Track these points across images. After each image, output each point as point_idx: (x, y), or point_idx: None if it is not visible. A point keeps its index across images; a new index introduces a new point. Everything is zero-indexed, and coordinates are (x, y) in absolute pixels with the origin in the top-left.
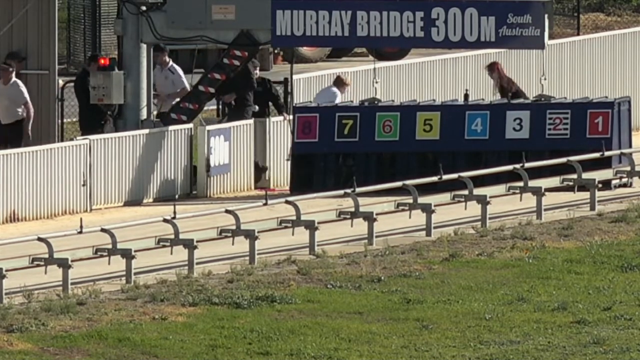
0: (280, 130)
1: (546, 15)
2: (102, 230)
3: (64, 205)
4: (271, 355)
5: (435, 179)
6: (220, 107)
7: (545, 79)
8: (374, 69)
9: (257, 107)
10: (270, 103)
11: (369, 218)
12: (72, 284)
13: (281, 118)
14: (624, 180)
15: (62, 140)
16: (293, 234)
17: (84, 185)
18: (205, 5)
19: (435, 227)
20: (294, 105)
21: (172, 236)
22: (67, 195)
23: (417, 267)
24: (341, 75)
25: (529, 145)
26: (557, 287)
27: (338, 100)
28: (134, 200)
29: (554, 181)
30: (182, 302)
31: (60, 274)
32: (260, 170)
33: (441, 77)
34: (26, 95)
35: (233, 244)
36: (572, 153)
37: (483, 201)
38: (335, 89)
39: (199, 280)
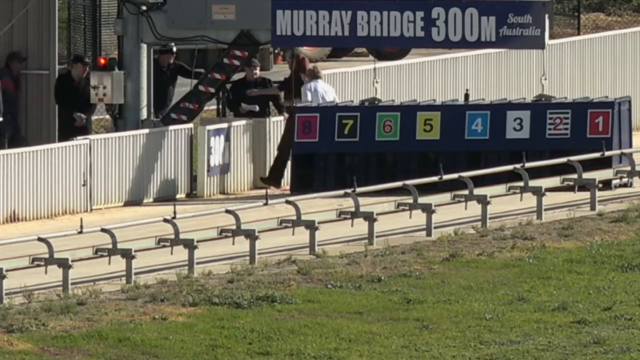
0: (280, 131)
1: (546, 15)
2: (102, 230)
3: (64, 205)
4: (271, 355)
5: (435, 179)
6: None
7: (545, 78)
8: (374, 69)
9: (257, 107)
10: (270, 103)
11: (370, 218)
12: (72, 284)
13: (281, 118)
14: (625, 180)
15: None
16: (293, 234)
17: (84, 185)
18: (205, 5)
19: (435, 227)
20: (294, 105)
21: (172, 236)
22: (67, 195)
23: (418, 267)
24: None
25: (529, 145)
26: (558, 287)
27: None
28: (134, 200)
29: (554, 181)
30: (183, 302)
31: (60, 274)
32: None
33: (441, 77)
34: None
35: (233, 244)
36: (572, 153)
37: (483, 201)
38: (314, 83)
39: (199, 280)
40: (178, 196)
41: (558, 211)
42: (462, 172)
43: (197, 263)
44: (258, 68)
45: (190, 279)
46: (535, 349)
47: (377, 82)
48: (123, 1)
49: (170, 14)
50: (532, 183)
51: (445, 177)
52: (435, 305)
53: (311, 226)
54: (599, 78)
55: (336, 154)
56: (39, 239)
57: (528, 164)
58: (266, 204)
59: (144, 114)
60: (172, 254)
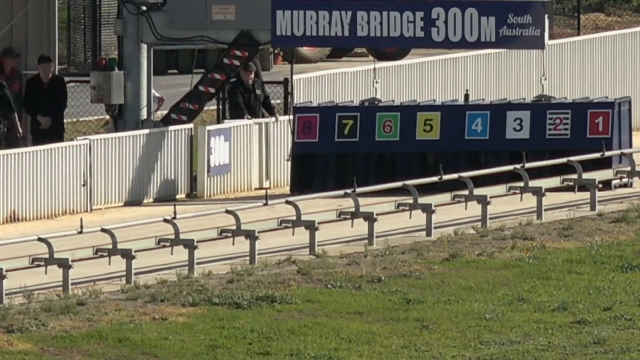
0: (280, 131)
1: (546, 16)
2: (102, 230)
3: (64, 205)
4: (271, 355)
5: (435, 179)
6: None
7: (545, 79)
8: (374, 69)
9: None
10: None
11: (369, 218)
12: (72, 284)
13: (273, 119)
14: (624, 180)
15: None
16: (293, 234)
17: (84, 185)
18: (205, 5)
19: (435, 227)
20: (294, 105)
21: (173, 236)
22: (67, 195)
23: (417, 267)
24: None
25: (529, 145)
26: (558, 287)
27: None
28: (134, 200)
29: (554, 181)
30: (183, 303)
31: (60, 274)
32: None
33: (441, 77)
34: None
35: (233, 244)
36: (572, 153)
37: (483, 201)
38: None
39: (199, 280)
40: (178, 196)
41: (558, 211)
42: (462, 172)
43: (197, 263)
44: (253, 73)
45: (190, 279)
46: (535, 349)
47: (377, 82)
48: (123, 1)
49: (170, 14)
50: (532, 183)
51: (445, 177)
52: (435, 306)
53: (311, 226)
54: (599, 78)
55: (336, 154)
56: (39, 239)
57: (528, 164)
58: (266, 204)
59: (144, 114)
60: (172, 254)
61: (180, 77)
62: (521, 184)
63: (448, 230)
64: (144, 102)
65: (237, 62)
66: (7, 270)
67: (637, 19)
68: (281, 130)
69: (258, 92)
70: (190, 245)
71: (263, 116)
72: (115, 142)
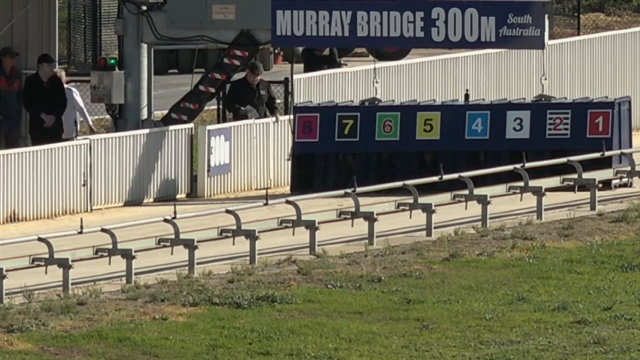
0: (280, 131)
1: (546, 15)
2: (103, 230)
3: (64, 205)
4: (271, 355)
5: (435, 178)
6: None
7: (545, 79)
8: (374, 69)
9: (252, 113)
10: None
11: (370, 218)
12: (72, 284)
13: (274, 119)
14: (624, 180)
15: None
16: (293, 234)
17: (84, 185)
18: (205, 5)
19: (435, 227)
20: (294, 105)
21: (173, 236)
22: (68, 195)
23: (418, 267)
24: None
25: (530, 145)
26: (558, 287)
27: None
28: (134, 200)
29: (555, 181)
30: (183, 302)
31: (60, 274)
32: None
33: (441, 77)
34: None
35: (234, 244)
36: (572, 153)
37: (483, 201)
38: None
39: (199, 280)
40: (178, 196)
41: (558, 211)
42: (462, 172)
43: (198, 263)
44: (260, 76)
45: (190, 279)
46: (535, 349)
47: (377, 82)
48: (123, 1)
49: (170, 14)
50: (532, 183)
51: (446, 177)
52: (435, 305)
53: (311, 226)
54: (599, 78)
55: (336, 154)
56: (39, 239)
57: (528, 164)
58: (266, 204)
59: (144, 114)
60: (172, 254)
61: (180, 76)
62: (521, 183)
63: (448, 230)
64: (144, 102)
65: (237, 62)
66: (7, 270)
67: (637, 18)
68: (281, 130)
69: (262, 92)
70: (190, 245)
71: (265, 116)
72: (115, 142)
